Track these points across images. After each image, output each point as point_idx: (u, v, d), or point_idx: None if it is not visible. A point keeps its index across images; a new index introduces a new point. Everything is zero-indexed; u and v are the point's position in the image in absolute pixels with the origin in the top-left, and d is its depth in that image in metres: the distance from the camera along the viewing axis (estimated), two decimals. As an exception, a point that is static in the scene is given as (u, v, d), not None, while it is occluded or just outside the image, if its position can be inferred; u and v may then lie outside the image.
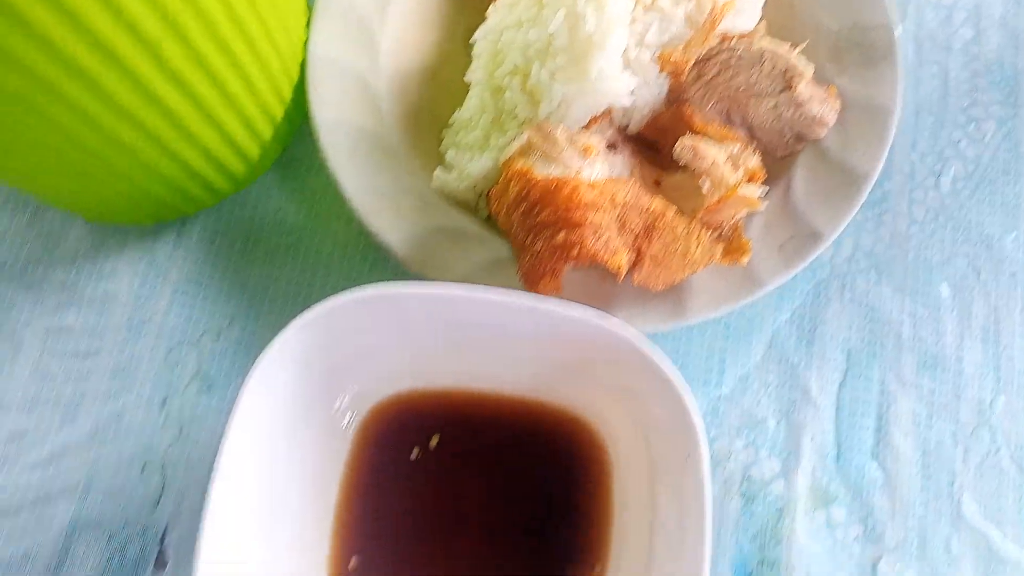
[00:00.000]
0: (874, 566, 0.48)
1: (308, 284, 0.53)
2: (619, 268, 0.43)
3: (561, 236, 0.43)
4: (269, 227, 0.54)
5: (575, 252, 0.42)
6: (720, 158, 0.48)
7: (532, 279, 0.45)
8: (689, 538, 0.41)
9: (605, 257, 0.43)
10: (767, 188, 0.48)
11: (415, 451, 0.48)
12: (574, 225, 0.43)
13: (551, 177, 0.45)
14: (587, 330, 0.42)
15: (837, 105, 0.52)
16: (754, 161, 0.48)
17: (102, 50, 0.37)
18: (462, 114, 0.54)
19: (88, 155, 0.44)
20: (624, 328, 0.42)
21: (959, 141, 0.57)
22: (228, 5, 0.42)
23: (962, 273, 0.54)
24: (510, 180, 0.45)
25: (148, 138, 0.44)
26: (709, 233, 0.47)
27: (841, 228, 0.48)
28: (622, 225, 0.45)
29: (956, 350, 0.52)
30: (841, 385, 0.52)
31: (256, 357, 0.40)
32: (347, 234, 0.54)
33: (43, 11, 0.34)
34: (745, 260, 0.46)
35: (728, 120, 0.53)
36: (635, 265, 0.45)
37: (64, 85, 0.38)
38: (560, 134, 0.47)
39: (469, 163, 0.51)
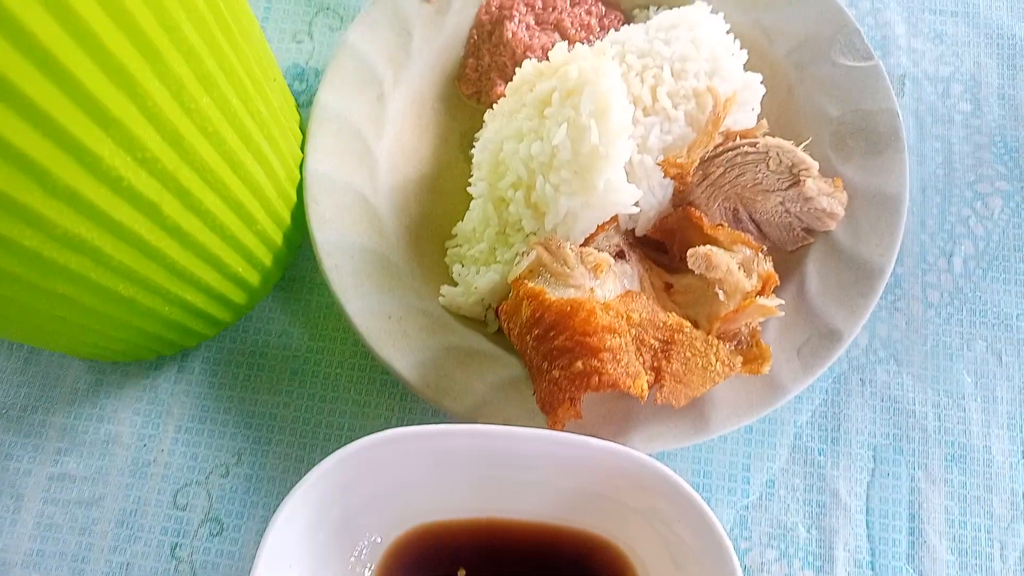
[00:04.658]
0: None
1: (317, 411, 0.51)
2: (641, 393, 0.42)
3: (579, 365, 0.42)
4: (273, 353, 0.53)
5: (595, 381, 0.41)
6: (733, 265, 0.47)
7: (551, 406, 0.43)
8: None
9: (627, 383, 0.41)
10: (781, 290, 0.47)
11: (441, 585, 0.46)
12: (592, 352, 0.41)
13: (564, 299, 0.44)
14: (611, 459, 0.41)
15: (844, 198, 0.51)
16: (767, 266, 0.47)
17: (100, 222, 0.36)
18: (465, 226, 0.53)
19: (85, 311, 0.42)
20: (648, 457, 0.41)
21: (968, 218, 0.56)
22: (224, 148, 0.41)
23: (982, 358, 0.53)
24: (522, 300, 0.44)
25: (147, 289, 0.43)
26: (727, 345, 0.45)
27: (860, 326, 0.47)
28: (640, 344, 0.44)
29: (983, 439, 0.51)
30: (870, 485, 0.50)
31: (266, 495, 0.38)
32: (354, 354, 0.53)
33: (41, 197, 0.33)
34: (766, 369, 0.45)
35: (736, 218, 0.52)
36: (656, 383, 0.44)
37: (63, 259, 0.36)
38: (570, 252, 0.46)
39: (476, 277, 0.50)
